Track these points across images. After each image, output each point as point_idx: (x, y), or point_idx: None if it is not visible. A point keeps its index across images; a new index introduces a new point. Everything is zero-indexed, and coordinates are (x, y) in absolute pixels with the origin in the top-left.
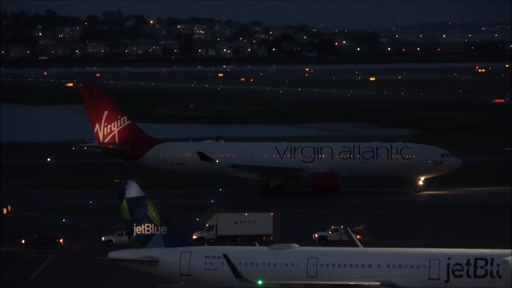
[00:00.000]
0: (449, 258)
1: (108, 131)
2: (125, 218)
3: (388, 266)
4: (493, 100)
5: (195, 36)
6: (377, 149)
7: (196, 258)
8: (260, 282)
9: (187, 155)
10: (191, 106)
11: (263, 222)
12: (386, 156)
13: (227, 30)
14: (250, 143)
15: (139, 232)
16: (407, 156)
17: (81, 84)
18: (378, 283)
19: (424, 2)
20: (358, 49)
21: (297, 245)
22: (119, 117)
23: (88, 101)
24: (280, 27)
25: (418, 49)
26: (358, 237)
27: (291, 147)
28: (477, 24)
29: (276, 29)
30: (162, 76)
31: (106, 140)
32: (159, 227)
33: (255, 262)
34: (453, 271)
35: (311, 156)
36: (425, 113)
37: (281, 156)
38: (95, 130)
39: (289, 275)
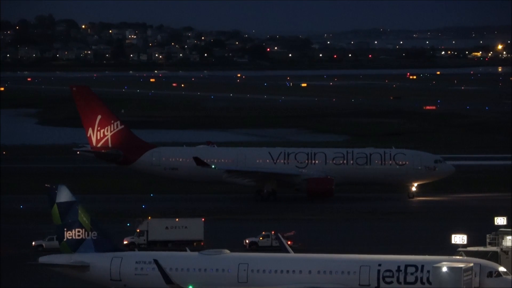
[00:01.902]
0: (379, 265)
1: (101, 135)
2: (55, 223)
3: (318, 272)
4: (424, 107)
5: (127, 41)
6: (370, 155)
7: (127, 263)
8: None
9: (181, 159)
10: (122, 111)
11: (194, 227)
12: (380, 162)
13: (159, 35)
14: (244, 148)
15: (70, 237)
16: (400, 162)
17: (74, 89)
18: None
19: (356, 8)
20: (290, 55)
21: (228, 251)
22: (112, 121)
23: (81, 105)
24: (212, 33)
25: (350, 55)
26: (289, 243)
27: (285, 153)
28: (408, 30)
29: (208, 34)
30: (93, 80)
31: (99, 145)
32: (90, 232)
33: (185, 267)
34: (383, 278)
35: (305, 162)
36: (356, 119)
37: (275, 161)
38: (88, 135)
39: (219, 281)
